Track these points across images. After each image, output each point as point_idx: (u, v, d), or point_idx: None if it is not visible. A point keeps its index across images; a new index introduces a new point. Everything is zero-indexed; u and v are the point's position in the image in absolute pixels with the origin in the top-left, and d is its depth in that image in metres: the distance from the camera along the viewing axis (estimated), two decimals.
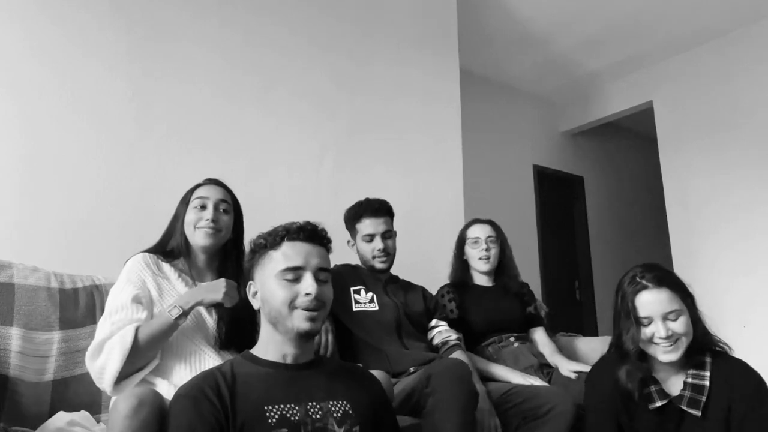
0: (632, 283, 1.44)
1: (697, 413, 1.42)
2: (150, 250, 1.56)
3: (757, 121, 4.10)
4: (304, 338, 1.14)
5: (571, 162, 5.64)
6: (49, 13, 2.16)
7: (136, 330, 1.32)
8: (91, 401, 1.49)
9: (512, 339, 2.17)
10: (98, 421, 1.39)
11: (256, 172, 2.55)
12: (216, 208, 1.55)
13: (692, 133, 4.50)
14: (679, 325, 1.40)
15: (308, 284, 1.13)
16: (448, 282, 2.34)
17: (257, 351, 1.18)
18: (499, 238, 2.33)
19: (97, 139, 2.19)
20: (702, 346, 1.46)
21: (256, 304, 1.19)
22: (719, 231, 4.22)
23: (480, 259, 2.27)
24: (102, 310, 1.62)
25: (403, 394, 1.58)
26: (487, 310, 2.21)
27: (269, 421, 1.04)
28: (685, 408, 1.44)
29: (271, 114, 2.68)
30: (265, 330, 1.18)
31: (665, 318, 1.39)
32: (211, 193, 1.57)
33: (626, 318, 1.44)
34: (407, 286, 2.17)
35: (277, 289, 1.13)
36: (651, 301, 1.40)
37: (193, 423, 1.01)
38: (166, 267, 1.53)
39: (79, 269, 1.74)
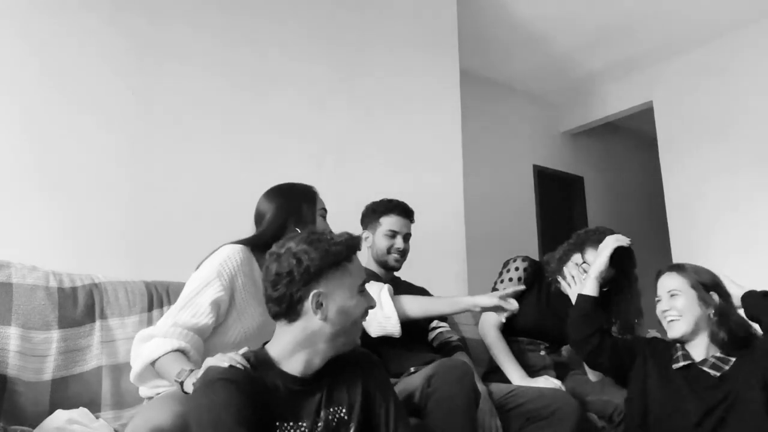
0: None
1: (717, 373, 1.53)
2: (247, 243, 1.51)
3: (756, 121, 4.10)
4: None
5: (571, 162, 5.63)
6: (50, 12, 2.15)
7: (167, 352, 1.28)
8: (91, 400, 1.48)
9: (542, 346, 2.07)
10: (97, 418, 1.38)
11: (257, 171, 2.54)
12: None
13: (692, 133, 4.50)
14: None
15: None
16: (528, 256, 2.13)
17: (277, 354, 1.15)
18: None
19: (98, 138, 2.18)
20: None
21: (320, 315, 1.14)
22: (719, 230, 4.22)
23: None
24: (101, 310, 1.63)
25: (404, 394, 1.56)
26: (545, 317, 2.04)
27: None
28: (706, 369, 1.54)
29: (271, 113, 2.67)
30: (299, 339, 1.14)
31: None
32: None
33: None
34: (408, 287, 2.15)
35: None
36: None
37: (241, 405, 1.01)
38: (256, 265, 1.49)
39: (78, 269, 1.73)
